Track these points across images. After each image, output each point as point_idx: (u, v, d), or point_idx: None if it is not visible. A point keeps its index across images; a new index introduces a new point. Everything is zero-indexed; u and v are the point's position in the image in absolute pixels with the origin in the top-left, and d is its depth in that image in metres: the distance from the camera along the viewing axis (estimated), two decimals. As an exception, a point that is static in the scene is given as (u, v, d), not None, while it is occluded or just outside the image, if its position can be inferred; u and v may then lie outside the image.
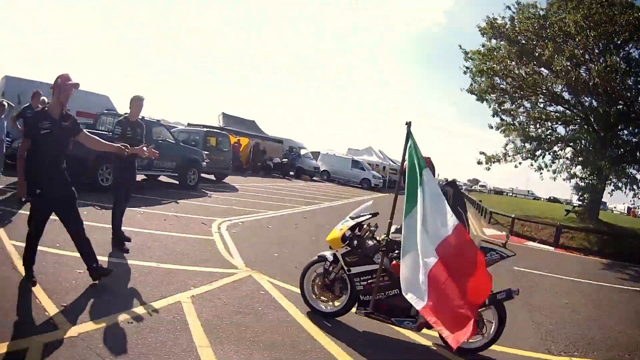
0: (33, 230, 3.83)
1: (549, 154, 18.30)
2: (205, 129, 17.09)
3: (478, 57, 17.99)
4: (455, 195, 3.62)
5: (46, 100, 7.35)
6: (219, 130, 19.28)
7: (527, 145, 18.29)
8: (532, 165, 18.55)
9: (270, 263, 5.57)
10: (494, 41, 17.93)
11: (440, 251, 3.10)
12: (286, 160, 25.23)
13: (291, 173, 25.54)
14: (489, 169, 18.72)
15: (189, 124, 23.93)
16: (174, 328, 3.43)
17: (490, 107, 18.63)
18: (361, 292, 3.80)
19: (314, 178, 27.12)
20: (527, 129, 18.63)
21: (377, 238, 3.93)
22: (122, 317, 3.49)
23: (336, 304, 4.06)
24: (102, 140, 4.31)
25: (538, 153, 18.33)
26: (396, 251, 3.61)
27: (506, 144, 18.94)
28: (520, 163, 18.74)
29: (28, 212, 3.99)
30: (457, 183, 4.20)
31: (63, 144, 3.88)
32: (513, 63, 17.36)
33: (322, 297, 4.09)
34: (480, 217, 18.88)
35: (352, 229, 3.96)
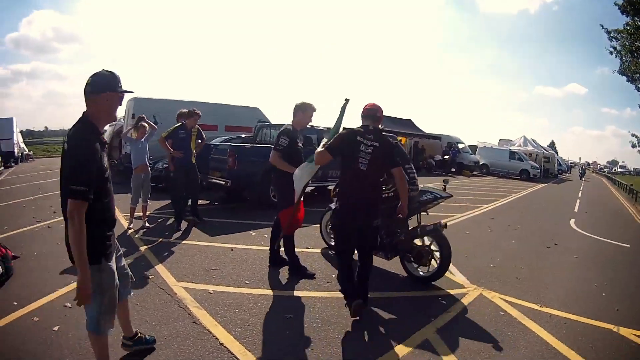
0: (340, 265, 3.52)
1: None
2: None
3: (626, 36, 16.79)
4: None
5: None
6: (391, 134, 18.13)
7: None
8: None
9: (491, 276, 4.78)
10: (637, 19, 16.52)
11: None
12: (447, 157, 24.02)
13: (453, 170, 24.09)
14: None
15: (344, 129, 23.94)
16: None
17: (635, 87, 17.83)
18: None
19: (474, 172, 25.59)
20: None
21: None
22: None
23: None
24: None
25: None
26: None
27: None
28: None
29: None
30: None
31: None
32: None
33: (332, 237, 4.77)
34: (635, 202, 16.63)
35: None
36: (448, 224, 7.62)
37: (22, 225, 5.70)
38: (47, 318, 2.94)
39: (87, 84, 2.00)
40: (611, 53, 17.60)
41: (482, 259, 5.42)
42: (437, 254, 4.15)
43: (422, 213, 4.38)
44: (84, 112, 2.02)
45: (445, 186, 4.56)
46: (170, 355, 2.54)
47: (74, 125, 2.01)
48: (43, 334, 2.73)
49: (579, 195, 17.57)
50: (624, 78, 17.93)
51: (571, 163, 57.14)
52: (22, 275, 3.79)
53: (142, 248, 4.86)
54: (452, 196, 4.44)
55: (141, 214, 6.12)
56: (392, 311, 3.49)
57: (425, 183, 5.31)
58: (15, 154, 18.45)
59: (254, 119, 12.51)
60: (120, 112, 12.82)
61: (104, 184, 2.00)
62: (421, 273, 4.24)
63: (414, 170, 4.28)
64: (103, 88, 2.00)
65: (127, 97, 12.52)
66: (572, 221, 9.39)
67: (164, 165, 8.64)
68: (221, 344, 2.69)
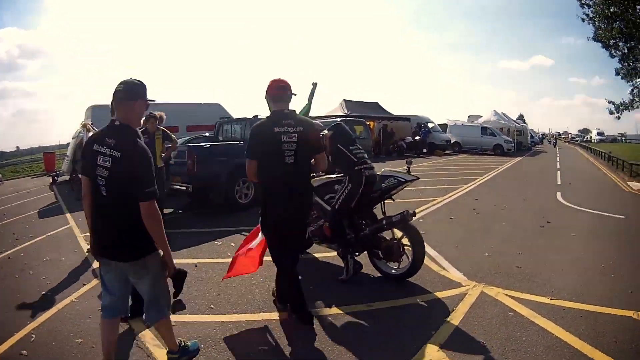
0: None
1: None
2: (347, 119, 15.72)
3: (600, 1, 16.94)
4: (336, 136, 3.82)
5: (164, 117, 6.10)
6: (359, 118, 18.00)
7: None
8: None
9: (489, 267, 4.35)
10: None
11: None
12: (418, 137, 23.65)
13: (425, 150, 23.66)
14: (619, 117, 18.61)
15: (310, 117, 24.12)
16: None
17: (609, 54, 18.18)
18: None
19: (446, 152, 25.24)
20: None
21: None
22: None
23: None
24: None
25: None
26: (327, 195, 4.04)
27: (632, 90, 18.31)
28: None
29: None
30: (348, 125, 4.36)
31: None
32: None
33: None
34: (616, 170, 16.22)
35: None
36: (430, 209, 7.50)
37: (-19, 259, 5.01)
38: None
39: (119, 90, 2.04)
40: (583, 20, 17.74)
41: (475, 247, 5.04)
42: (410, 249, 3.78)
43: (387, 201, 4.07)
44: (115, 119, 2.04)
45: (408, 167, 4.20)
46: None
47: (114, 131, 2.02)
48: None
49: (558, 167, 17.53)
50: (591, 47, 19.14)
51: (542, 134, 58.28)
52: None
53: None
54: (418, 178, 4.13)
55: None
56: (384, 327, 2.99)
57: (396, 167, 4.81)
58: (-17, 178, 17.30)
59: (216, 115, 11.79)
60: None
61: None
62: (393, 271, 3.90)
63: (362, 150, 3.92)
64: (136, 96, 2.08)
65: (85, 105, 11.73)
66: (559, 194, 9.13)
67: None
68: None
